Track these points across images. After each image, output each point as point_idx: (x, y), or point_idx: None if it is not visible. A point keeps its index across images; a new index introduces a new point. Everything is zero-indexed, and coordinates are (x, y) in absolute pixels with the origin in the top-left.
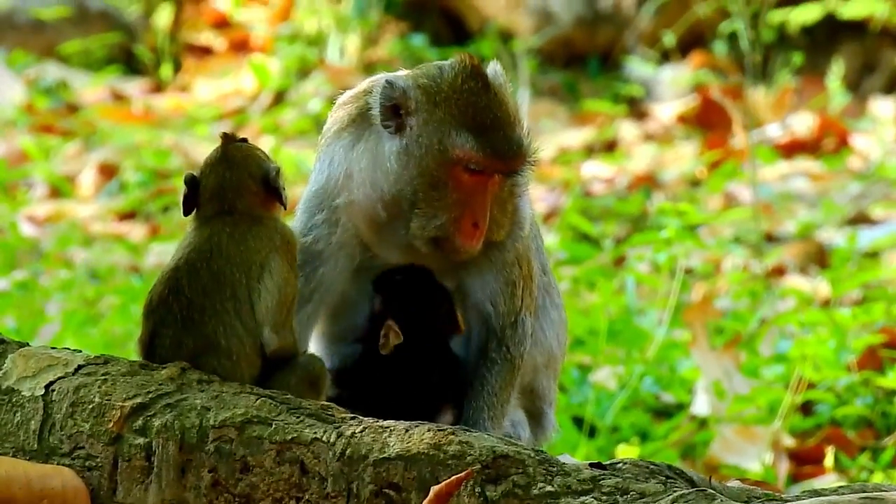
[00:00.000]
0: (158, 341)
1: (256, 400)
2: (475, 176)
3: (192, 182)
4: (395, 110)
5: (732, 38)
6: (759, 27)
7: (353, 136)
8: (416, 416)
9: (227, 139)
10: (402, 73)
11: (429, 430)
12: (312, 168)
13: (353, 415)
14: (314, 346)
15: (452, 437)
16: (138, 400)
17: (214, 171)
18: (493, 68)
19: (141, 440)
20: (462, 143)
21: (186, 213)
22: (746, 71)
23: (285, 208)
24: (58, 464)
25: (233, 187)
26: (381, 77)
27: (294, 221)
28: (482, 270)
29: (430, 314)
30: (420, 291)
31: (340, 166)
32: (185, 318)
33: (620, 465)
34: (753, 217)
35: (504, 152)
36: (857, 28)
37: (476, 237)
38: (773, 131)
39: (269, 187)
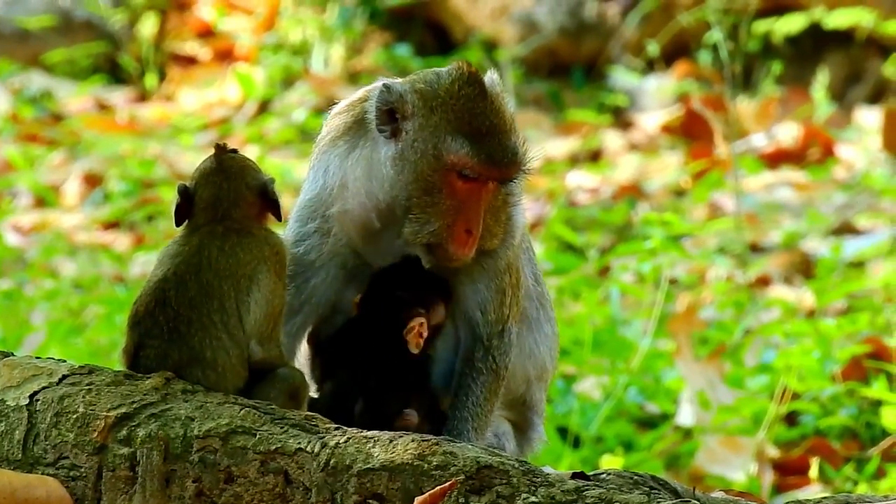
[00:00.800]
0: (143, 352)
1: (241, 410)
2: (469, 183)
3: (185, 192)
4: (391, 115)
5: (717, 47)
6: (739, 37)
7: (348, 144)
8: (384, 401)
9: (221, 150)
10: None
11: (413, 441)
12: (305, 177)
13: (336, 425)
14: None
15: (436, 447)
16: (123, 410)
17: (210, 181)
18: (491, 77)
19: (125, 450)
20: (457, 149)
21: (178, 224)
22: (727, 81)
23: (280, 220)
24: (42, 473)
25: (229, 198)
26: (377, 83)
27: (286, 231)
28: (474, 278)
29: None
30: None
31: (335, 175)
32: (171, 329)
33: (604, 475)
34: (737, 227)
35: (499, 159)
36: (843, 38)
37: (469, 245)
38: (758, 141)
39: (266, 198)
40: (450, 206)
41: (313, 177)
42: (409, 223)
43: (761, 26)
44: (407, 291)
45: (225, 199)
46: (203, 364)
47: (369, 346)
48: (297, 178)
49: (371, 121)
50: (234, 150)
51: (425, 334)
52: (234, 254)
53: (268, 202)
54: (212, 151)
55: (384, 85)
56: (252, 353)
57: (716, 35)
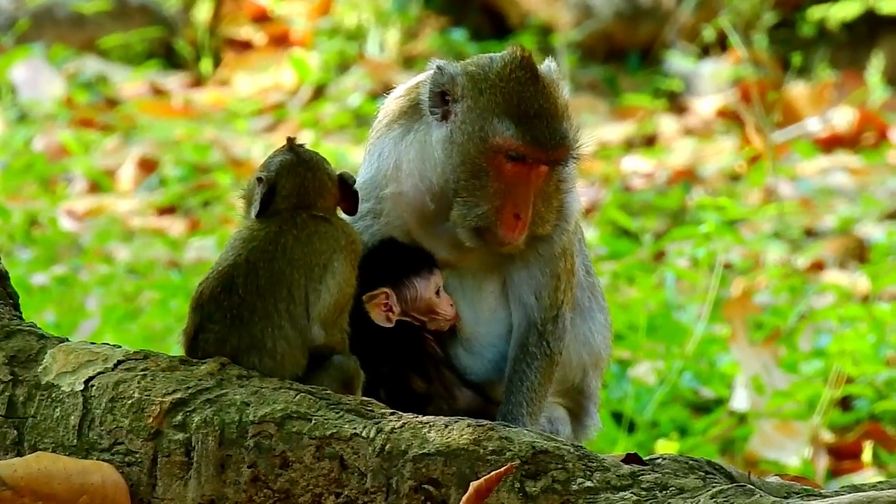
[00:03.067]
0: (203, 335)
1: (296, 395)
2: (517, 166)
3: (271, 184)
4: (442, 97)
5: (772, 32)
6: (793, 23)
7: (403, 127)
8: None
9: (293, 142)
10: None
11: (468, 426)
12: (362, 161)
13: (392, 411)
14: None
15: (492, 432)
16: (178, 395)
17: (294, 171)
18: (548, 65)
19: (180, 436)
20: (503, 131)
21: (261, 214)
22: (764, 69)
23: (355, 212)
24: (97, 459)
25: (315, 188)
26: (432, 66)
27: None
28: (528, 263)
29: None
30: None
31: (390, 158)
32: (234, 316)
33: (659, 460)
34: (780, 213)
35: (545, 142)
36: None
37: (518, 229)
38: (813, 126)
39: (347, 188)
40: (497, 190)
41: (369, 160)
42: (457, 206)
43: (816, 13)
44: (372, 269)
45: (311, 188)
46: (262, 352)
47: (370, 334)
48: (352, 162)
49: (425, 104)
50: (302, 144)
51: (396, 309)
52: (310, 242)
53: (348, 192)
54: (268, 137)
55: (437, 67)
56: (314, 338)
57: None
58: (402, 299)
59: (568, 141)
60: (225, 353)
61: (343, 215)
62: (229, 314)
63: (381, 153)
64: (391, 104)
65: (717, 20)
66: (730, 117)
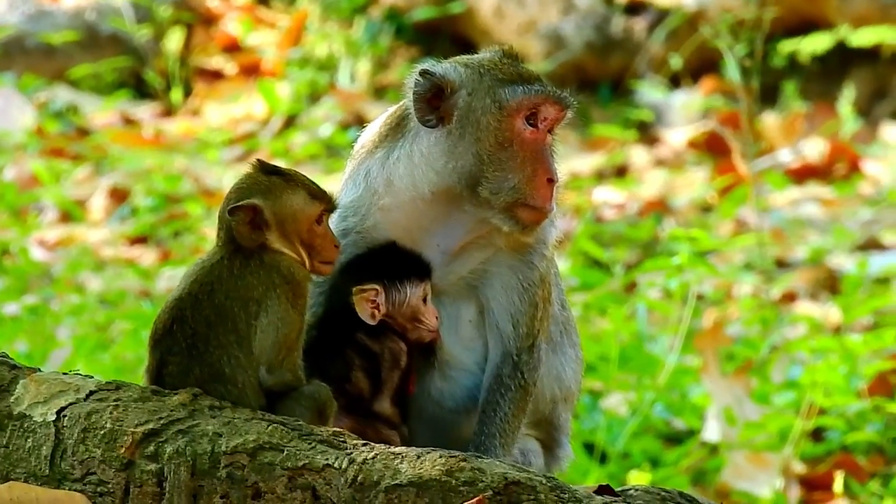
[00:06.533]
0: (167, 370)
1: (268, 426)
2: (534, 133)
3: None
4: (436, 97)
5: (740, 64)
6: (761, 55)
7: (386, 149)
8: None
9: (261, 164)
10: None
11: (440, 457)
12: (342, 186)
13: (364, 441)
14: None
15: (464, 463)
16: (150, 426)
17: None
18: None
19: (153, 466)
20: (514, 94)
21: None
22: (741, 100)
23: (251, 244)
24: (69, 489)
25: (220, 220)
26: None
27: None
28: (508, 289)
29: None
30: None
31: (379, 176)
32: (190, 346)
33: (632, 491)
34: (759, 243)
35: (553, 92)
36: (869, 54)
37: (551, 195)
38: (785, 157)
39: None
40: (524, 158)
41: (353, 182)
42: (485, 185)
43: (787, 46)
44: (368, 264)
45: (220, 219)
46: (224, 380)
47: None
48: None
49: (411, 118)
50: (272, 166)
51: (382, 308)
52: (242, 276)
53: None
54: (239, 166)
55: (422, 70)
56: (263, 380)
57: (730, 55)
58: (390, 299)
59: (568, 94)
60: (190, 384)
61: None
62: (185, 344)
63: (368, 173)
64: (367, 135)
65: (693, 47)
66: (701, 148)
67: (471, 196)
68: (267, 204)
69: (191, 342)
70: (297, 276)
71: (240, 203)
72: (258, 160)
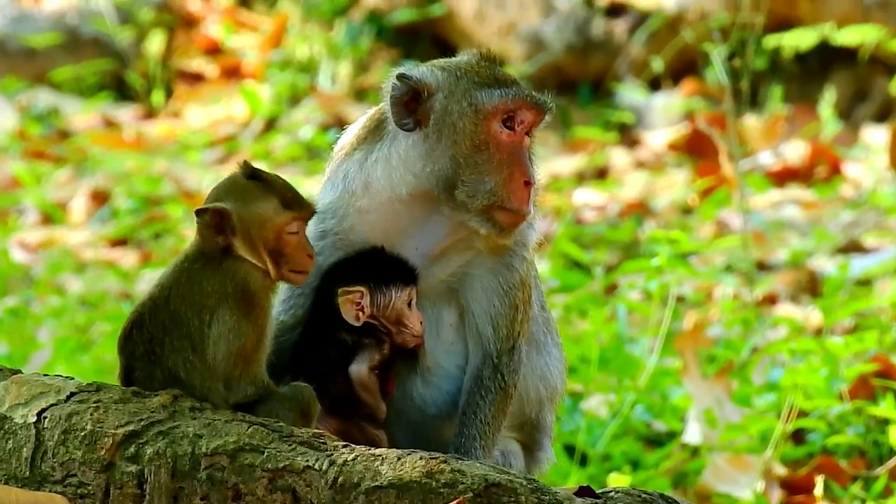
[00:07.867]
0: (134, 375)
1: (248, 428)
2: (510, 135)
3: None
4: (413, 100)
5: (722, 65)
6: (745, 55)
7: (364, 151)
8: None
9: (245, 167)
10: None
11: (421, 459)
12: (321, 188)
13: (345, 443)
14: None
15: (444, 465)
16: (130, 427)
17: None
18: None
19: (133, 468)
20: (490, 97)
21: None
22: (728, 100)
23: (214, 247)
24: (50, 491)
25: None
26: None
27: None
28: (488, 292)
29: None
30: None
31: (357, 178)
32: (148, 351)
33: (613, 493)
34: (744, 245)
35: (530, 95)
36: (849, 56)
37: (528, 198)
38: (766, 159)
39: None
40: (500, 161)
41: (332, 183)
42: (462, 188)
43: (771, 41)
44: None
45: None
46: (181, 385)
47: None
48: (304, 195)
49: (389, 121)
50: (255, 170)
51: (367, 310)
52: (199, 281)
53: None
54: (220, 169)
55: (398, 75)
56: (224, 397)
57: (715, 56)
58: (375, 302)
59: (545, 98)
60: (155, 389)
61: (309, 232)
62: (144, 349)
63: (346, 175)
64: (347, 137)
65: (674, 50)
66: (682, 150)
67: (448, 199)
68: (236, 208)
69: (149, 347)
70: (252, 285)
71: (207, 205)
72: (244, 162)
